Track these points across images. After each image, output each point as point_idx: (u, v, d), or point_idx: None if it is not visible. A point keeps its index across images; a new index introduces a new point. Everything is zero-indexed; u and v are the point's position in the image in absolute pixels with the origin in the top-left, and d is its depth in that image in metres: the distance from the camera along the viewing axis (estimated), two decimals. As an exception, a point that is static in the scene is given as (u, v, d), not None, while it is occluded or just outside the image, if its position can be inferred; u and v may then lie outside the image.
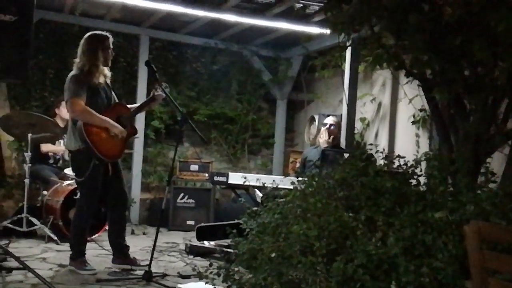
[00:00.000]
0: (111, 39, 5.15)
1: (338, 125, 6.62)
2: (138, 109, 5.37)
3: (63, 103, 7.26)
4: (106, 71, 5.13)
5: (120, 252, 5.22)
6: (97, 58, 5.00)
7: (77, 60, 5.05)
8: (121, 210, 5.30)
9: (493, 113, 3.96)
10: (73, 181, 6.69)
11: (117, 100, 5.30)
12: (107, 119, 4.96)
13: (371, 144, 4.00)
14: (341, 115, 7.54)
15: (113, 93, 5.25)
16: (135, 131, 5.25)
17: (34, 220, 6.27)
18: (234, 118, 9.63)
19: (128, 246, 5.32)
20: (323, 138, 6.68)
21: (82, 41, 5.08)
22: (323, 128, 6.73)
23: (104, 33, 5.21)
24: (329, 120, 6.74)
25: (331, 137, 6.58)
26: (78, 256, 5.10)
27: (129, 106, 5.35)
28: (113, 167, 5.12)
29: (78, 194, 5.46)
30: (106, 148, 4.96)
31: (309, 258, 3.22)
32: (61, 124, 7.11)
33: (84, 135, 4.84)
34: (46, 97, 8.31)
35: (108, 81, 5.18)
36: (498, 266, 1.80)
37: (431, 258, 2.78)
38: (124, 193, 5.31)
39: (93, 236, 6.51)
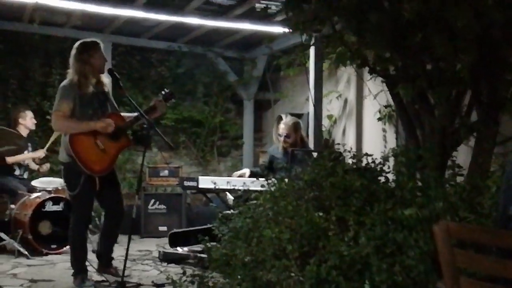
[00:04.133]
0: (101, 45, 4.93)
1: (294, 126, 6.49)
2: (135, 120, 4.98)
3: (28, 112, 7.19)
4: (103, 78, 4.92)
5: (105, 261, 5.08)
6: (86, 67, 4.81)
7: (69, 70, 4.88)
8: (113, 224, 5.08)
9: (457, 106, 4.01)
10: (41, 193, 6.61)
11: (117, 108, 5.02)
12: (89, 122, 4.75)
13: (338, 144, 4.01)
14: (308, 113, 7.56)
15: (111, 101, 4.99)
16: (128, 143, 5.00)
17: (3, 235, 6.15)
18: (201, 121, 9.62)
19: (113, 258, 5.15)
20: (280, 145, 6.56)
21: (72, 51, 4.90)
22: (280, 137, 6.58)
23: (93, 40, 5.00)
24: (283, 129, 6.57)
25: (287, 144, 6.47)
26: (77, 272, 4.90)
27: (126, 115, 5.12)
28: (106, 181, 4.90)
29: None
30: (92, 161, 4.76)
31: (282, 262, 3.23)
32: (24, 134, 7.02)
33: (69, 148, 4.69)
34: (10, 108, 8.17)
35: (106, 89, 4.94)
36: (469, 265, 1.82)
37: (403, 256, 2.79)
38: (117, 207, 5.06)
39: (64, 248, 6.42)
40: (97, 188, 4.82)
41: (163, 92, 5.13)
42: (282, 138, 6.43)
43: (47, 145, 7.25)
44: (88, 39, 5.02)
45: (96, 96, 4.89)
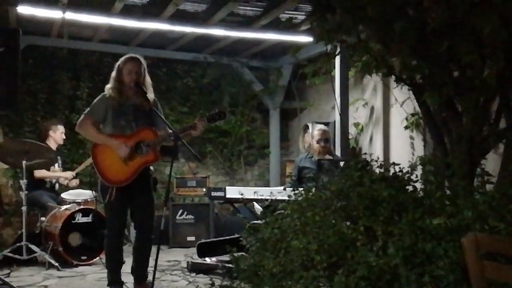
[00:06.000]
0: (140, 61, 4.93)
1: (328, 132, 6.59)
2: (165, 137, 4.90)
3: (60, 127, 7.31)
4: (147, 93, 4.89)
5: (136, 281, 5.02)
6: (118, 80, 4.88)
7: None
8: (142, 238, 5.01)
9: (485, 114, 3.95)
10: (71, 205, 6.70)
11: (167, 124, 4.93)
12: (109, 138, 4.80)
13: (365, 154, 3.98)
14: (334, 121, 7.55)
15: (156, 116, 4.89)
16: (154, 159, 4.90)
17: (34, 247, 6.23)
18: (228, 131, 9.64)
19: (147, 276, 5.01)
20: (316, 152, 6.60)
21: None
22: (315, 143, 6.62)
23: (132, 55, 5.03)
24: (321, 134, 6.61)
25: (325, 149, 6.54)
26: (109, 283, 4.94)
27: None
28: (137, 193, 4.89)
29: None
30: (109, 171, 4.79)
31: (310, 272, 3.21)
32: (54, 147, 7.10)
33: (91, 157, 4.85)
34: (39, 122, 8.30)
35: (150, 104, 4.86)
36: (498, 276, 1.80)
37: (432, 266, 2.76)
38: (145, 221, 4.98)
39: (94, 260, 6.49)
40: (112, 198, 4.78)
41: (212, 112, 4.97)
42: (322, 143, 6.48)
43: (78, 169, 7.35)
44: (129, 55, 5.06)
45: (133, 108, 4.90)
